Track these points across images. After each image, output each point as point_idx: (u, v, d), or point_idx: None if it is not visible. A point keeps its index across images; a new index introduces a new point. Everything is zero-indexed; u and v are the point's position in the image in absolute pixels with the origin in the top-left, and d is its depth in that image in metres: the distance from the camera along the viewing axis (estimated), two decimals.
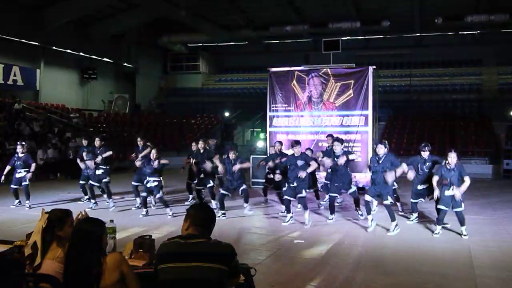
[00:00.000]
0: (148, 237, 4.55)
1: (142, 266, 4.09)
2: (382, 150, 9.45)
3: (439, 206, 9.01)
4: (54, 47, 26.76)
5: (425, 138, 24.13)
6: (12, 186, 11.99)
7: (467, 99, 28.45)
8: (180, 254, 3.18)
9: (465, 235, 8.70)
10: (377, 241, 8.51)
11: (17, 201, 11.97)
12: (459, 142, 23.63)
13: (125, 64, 32.61)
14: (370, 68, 14.84)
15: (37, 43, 25.58)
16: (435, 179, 9.02)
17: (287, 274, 6.53)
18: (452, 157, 8.81)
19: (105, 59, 30.67)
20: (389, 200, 9.28)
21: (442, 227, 9.34)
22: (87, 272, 3.27)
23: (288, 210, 10.07)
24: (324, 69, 15.35)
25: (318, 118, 15.27)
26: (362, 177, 13.63)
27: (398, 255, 7.52)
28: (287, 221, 9.92)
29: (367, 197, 9.52)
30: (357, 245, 8.22)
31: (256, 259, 7.01)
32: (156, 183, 10.79)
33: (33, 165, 12.07)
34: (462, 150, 22.69)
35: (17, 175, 11.94)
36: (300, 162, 9.91)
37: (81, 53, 28.73)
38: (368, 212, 9.49)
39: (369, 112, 14.61)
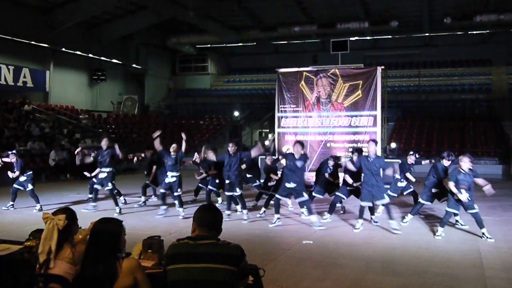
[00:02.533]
0: (157, 237, 4.57)
1: (151, 267, 4.11)
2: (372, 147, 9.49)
3: (447, 209, 8.94)
4: (63, 49, 26.95)
5: (434, 139, 24.08)
6: (15, 185, 11.89)
7: (476, 99, 28.26)
8: (189, 255, 3.19)
9: (489, 238, 8.49)
10: (386, 242, 8.48)
11: (9, 204, 11.90)
12: (468, 142, 23.51)
13: (134, 65, 32.78)
14: (379, 69, 14.81)
15: (46, 45, 25.75)
16: (451, 184, 8.70)
17: (296, 275, 6.52)
18: (466, 162, 8.68)
19: (114, 61, 30.84)
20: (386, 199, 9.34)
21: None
22: (105, 272, 3.27)
23: (276, 210, 9.99)
24: (332, 70, 15.34)
25: (326, 118, 15.26)
26: None
27: (408, 256, 7.49)
28: (274, 222, 9.86)
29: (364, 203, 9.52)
30: (366, 246, 8.18)
31: (265, 259, 7.00)
32: (174, 179, 10.85)
33: (17, 172, 11.90)
34: (471, 151, 22.55)
35: (21, 179, 11.89)
36: (299, 163, 9.67)
37: (90, 55, 28.92)
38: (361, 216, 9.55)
39: (378, 112, 14.58)
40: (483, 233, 8.61)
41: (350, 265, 7.02)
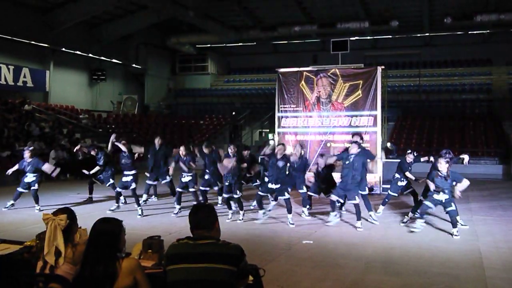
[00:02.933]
0: (157, 237, 4.57)
1: (151, 267, 4.10)
2: (354, 149, 9.92)
3: (425, 202, 9.31)
4: (63, 49, 26.93)
5: (435, 139, 24.08)
6: (19, 189, 11.80)
7: (476, 99, 28.24)
8: (189, 255, 3.19)
9: (456, 235, 8.77)
10: (386, 242, 8.48)
11: (10, 203, 11.81)
12: (469, 142, 23.51)
13: (134, 65, 32.75)
14: (379, 68, 14.78)
15: (46, 45, 25.73)
16: (431, 186, 9.12)
17: (296, 275, 6.52)
18: (442, 163, 8.94)
19: (113, 60, 30.80)
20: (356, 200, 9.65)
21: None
22: (105, 272, 3.27)
23: (260, 206, 10.32)
24: (333, 70, 15.32)
25: (326, 118, 15.24)
26: (371, 178, 13.55)
27: (407, 256, 7.48)
28: (260, 218, 10.15)
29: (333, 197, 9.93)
30: (366, 246, 8.18)
31: (265, 259, 7.00)
32: (190, 177, 11.23)
33: (46, 165, 11.95)
34: (472, 151, 22.56)
35: (26, 179, 11.82)
36: (280, 163, 9.99)
37: (90, 55, 28.89)
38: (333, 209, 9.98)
39: (378, 112, 14.56)
40: (453, 233, 8.84)
41: (350, 265, 7.03)
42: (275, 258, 7.35)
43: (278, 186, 9.98)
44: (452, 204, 8.93)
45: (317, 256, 7.50)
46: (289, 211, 9.94)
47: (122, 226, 3.51)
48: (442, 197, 8.92)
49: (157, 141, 12.41)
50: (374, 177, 13.85)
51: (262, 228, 9.69)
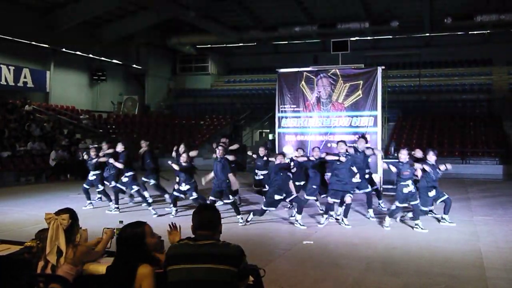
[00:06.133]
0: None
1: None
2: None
3: (395, 202, 9.64)
4: (64, 49, 26.94)
5: (435, 139, 24.06)
6: (118, 185, 11.92)
7: (477, 99, 28.21)
8: (190, 256, 3.19)
9: (423, 229, 9.20)
10: (387, 242, 8.47)
11: (115, 206, 11.68)
12: (469, 143, 23.48)
13: (134, 65, 32.76)
14: (379, 69, 14.77)
15: (47, 45, 25.74)
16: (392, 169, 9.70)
17: (296, 275, 6.52)
18: (403, 154, 9.53)
19: (114, 61, 30.82)
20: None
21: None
22: (128, 275, 3.30)
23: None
24: (333, 70, 15.30)
25: (327, 119, 15.22)
26: (376, 177, 13.48)
27: (408, 256, 7.48)
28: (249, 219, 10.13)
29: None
30: (367, 246, 8.18)
31: (266, 260, 7.00)
32: (188, 186, 10.81)
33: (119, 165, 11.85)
34: (472, 151, 22.56)
35: (124, 179, 11.80)
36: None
37: (90, 55, 28.91)
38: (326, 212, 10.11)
39: (378, 112, 14.54)
40: (414, 225, 9.36)
41: (350, 265, 7.03)
42: (275, 259, 7.35)
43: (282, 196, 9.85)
44: (417, 197, 9.44)
45: (318, 257, 7.50)
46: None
47: (144, 227, 3.52)
48: (410, 188, 9.39)
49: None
50: (378, 176, 13.78)
51: (262, 229, 9.69)
